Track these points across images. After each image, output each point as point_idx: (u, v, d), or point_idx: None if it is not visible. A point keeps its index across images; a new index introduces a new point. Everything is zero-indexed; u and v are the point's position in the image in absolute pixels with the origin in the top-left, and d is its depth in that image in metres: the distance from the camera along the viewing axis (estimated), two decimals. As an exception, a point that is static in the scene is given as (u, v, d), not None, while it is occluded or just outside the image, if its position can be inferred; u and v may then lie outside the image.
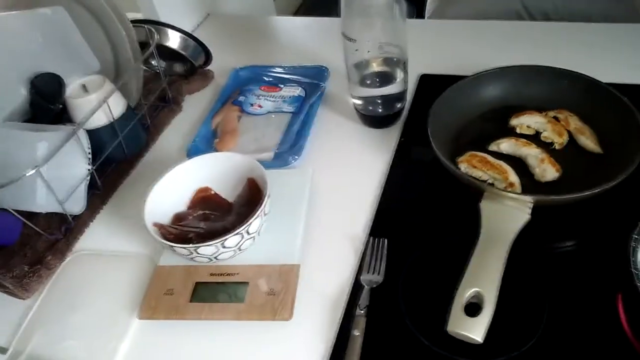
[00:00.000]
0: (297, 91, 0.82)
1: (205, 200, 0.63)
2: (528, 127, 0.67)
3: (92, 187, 0.69)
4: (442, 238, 0.59)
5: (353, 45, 0.65)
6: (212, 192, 0.64)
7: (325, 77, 0.84)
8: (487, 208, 0.56)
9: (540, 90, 0.70)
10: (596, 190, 0.54)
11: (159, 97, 0.82)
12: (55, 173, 0.60)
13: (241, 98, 0.82)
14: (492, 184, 0.61)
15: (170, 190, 0.61)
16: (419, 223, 0.62)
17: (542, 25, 0.99)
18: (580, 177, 0.61)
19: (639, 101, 0.62)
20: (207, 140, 0.77)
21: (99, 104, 0.66)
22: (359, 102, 0.74)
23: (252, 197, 0.61)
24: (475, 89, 0.71)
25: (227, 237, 0.53)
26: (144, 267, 0.61)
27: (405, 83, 0.72)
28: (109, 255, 0.64)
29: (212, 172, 0.63)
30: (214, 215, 0.62)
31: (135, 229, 0.66)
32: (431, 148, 0.62)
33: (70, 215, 0.66)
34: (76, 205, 0.66)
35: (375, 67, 0.70)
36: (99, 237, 0.67)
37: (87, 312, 0.57)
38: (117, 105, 0.70)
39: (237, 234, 0.53)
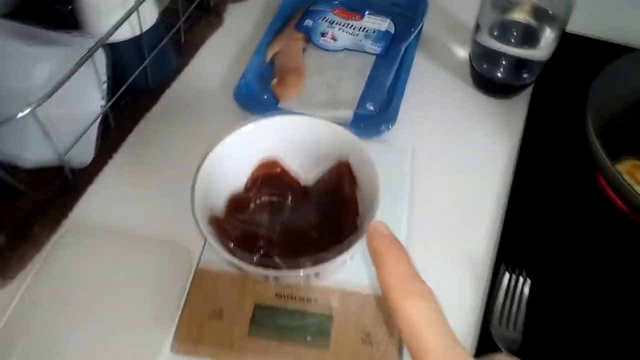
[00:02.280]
0: (385, 24, 0.61)
1: (270, 180, 0.44)
2: None
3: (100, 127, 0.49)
4: (611, 271, 0.44)
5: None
6: (280, 169, 0.45)
7: (423, 9, 0.62)
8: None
9: None
10: None
11: (195, 3, 0.59)
12: (57, 111, 0.40)
13: (308, 22, 0.60)
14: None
15: (227, 165, 0.41)
16: (569, 246, 0.45)
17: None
18: None
19: None
20: (262, 78, 0.56)
21: (129, 9, 0.44)
22: (477, 55, 0.54)
23: (340, 187, 0.43)
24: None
25: (325, 265, 0.35)
26: (175, 262, 0.44)
27: (551, 51, 0.51)
28: (122, 237, 0.45)
29: (285, 140, 0.44)
30: (286, 206, 0.43)
31: (158, 191, 0.47)
32: (590, 145, 0.45)
33: (70, 167, 0.46)
34: (82, 155, 0.46)
35: (521, 15, 0.50)
36: (107, 202, 0.48)
37: (89, 328, 0.40)
38: (147, 11, 0.48)
39: (341, 262, 0.35)
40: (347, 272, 0.41)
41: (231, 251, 0.37)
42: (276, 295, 0.41)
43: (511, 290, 0.42)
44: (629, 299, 0.42)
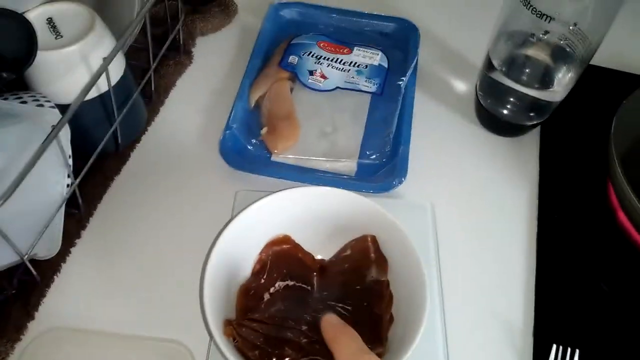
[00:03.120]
0: (377, 58, 0.55)
1: (281, 258, 0.38)
2: None
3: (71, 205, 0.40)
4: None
5: (541, 24, 0.40)
6: (291, 245, 0.39)
7: (415, 40, 0.57)
8: None
9: None
10: None
11: (159, 41, 0.51)
12: (15, 207, 0.31)
13: (292, 58, 0.54)
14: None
15: (234, 251, 0.35)
16: (615, 312, 0.42)
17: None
18: None
19: None
20: (248, 127, 0.49)
21: (95, 71, 0.36)
22: (487, 92, 0.50)
23: (365, 265, 0.37)
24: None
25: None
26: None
27: (566, 90, 0.48)
28: (108, 337, 0.37)
29: (295, 213, 0.38)
30: (301, 288, 0.37)
31: (141, 275, 0.40)
32: (619, 184, 0.42)
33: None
34: (47, 245, 0.38)
35: (536, 52, 0.46)
36: (78, 294, 0.40)
37: None
38: (114, 64, 0.40)
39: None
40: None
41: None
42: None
43: (562, 365, 0.38)
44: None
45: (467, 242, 0.44)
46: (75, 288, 0.40)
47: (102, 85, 0.40)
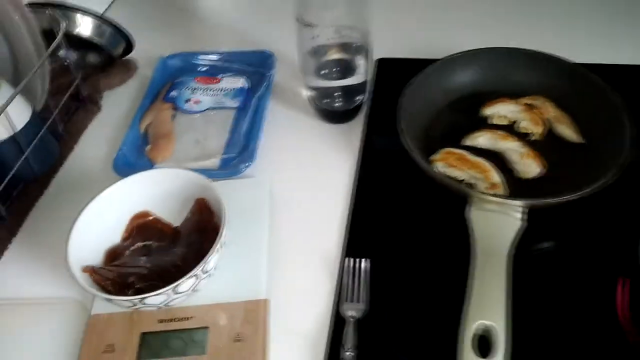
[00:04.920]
0: (240, 82, 0.71)
1: (144, 228, 0.52)
2: (503, 117, 0.62)
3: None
4: (431, 251, 0.52)
5: (311, 32, 0.56)
6: (152, 217, 0.53)
7: (271, 64, 0.73)
8: (476, 217, 0.50)
9: (512, 74, 0.64)
10: (594, 187, 0.49)
11: (71, 96, 0.68)
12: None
13: (173, 93, 0.70)
14: (472, 185, 0.55)
15: (100, 221, 0.49)
16: (401, 235, 0.54)
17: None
18: (565, 171, 0.56)
19: (619, 83, 0.58)
20: (137, 148, 0.65)
21: (-6, 116, 0.52)
22: (314, 94, 0.65)
23: (203, 221, 0.51)
24: (445, 75, 0.64)
25: (178, 282, 0.42)
26: (73, 317, 0.50)
27: (367, 73, 0.63)
28: (26, 304, 0.52)
29: (151, 193, 0.52)
30: (158, 247, 0.51)
31: (57, 265, 0.53)
32: (405, 148, 0.55)
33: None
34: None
35: (334, 54, 0.61)
36: (9, 282, 0.54)
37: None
38: (19, 113, 0.56)
39: (191, 276, 0.43)
40: (216, 288, 0.48)
41: (106, 290, 0.44)
42: (159, 321, 0.47)
43: (356, 272, 0.50)
44: (449, 268, 0.51)
45: (298, 201, 0.58)
46: (7, 278, 0.54)
47: (10, 130, 0.55)
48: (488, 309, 0.43)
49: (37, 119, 0.60)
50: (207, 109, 0.68)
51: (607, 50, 0.72)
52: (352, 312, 0.47)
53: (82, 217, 0.48)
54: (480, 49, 0.64)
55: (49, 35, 0.61)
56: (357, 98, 0.65)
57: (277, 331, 0.47)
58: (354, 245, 0.53)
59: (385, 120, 0.61)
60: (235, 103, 0.68)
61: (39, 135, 0.59)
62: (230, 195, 0.52)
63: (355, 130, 0.65)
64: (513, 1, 0.84)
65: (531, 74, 0.63)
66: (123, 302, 0.43)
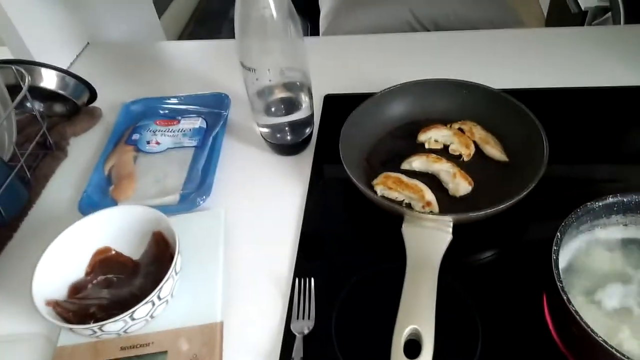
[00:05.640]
0: (198, 122, 0.76)
1: (106, 263, 0.56)
2: (436, 141, 0.68)
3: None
4: (371, 268, 0.57)
5: (253, 75, 0.61)
6: (114, 252, 0.57)
7: (226, 104, 0.79)
8: (409, 232, 0.55)
9: (444, 102, 0.70)
10: (511, 202, 0.55)
11: (38, 144, 0.73)
12: None
13: (135, 136, 0.75)
14: (409, 205, 0.60)
15: (63, 257, 0.53)
16: (345, 255, 0.60)
17: (435, 35, 1.01)
18: (492, 188, 0.62)
19: (535, 105, 0.64)
20: (101, 189, 0.69)
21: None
22: (265, 130, 0.70)
23: (160, 253, 0.55)
24: (381, 107, 0.70)
25: (134, 309, 0.46)
26: (40, 351, 0.53)
27: (312, 107, 0.69)
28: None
29: (111, 229, 0.56)
30: (119, 279, 0.55)
31: (26, 304, 0.56)
32: (346, 174, 0.60)
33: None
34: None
35: (279, 93, 0.67)
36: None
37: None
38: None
39: (146, 302, 0.47)
40: (173, 314, 0.52)
41: (68, 321, 0.48)
42: (121, 348, 0.51)
43: (303, 290, 0.54)
44: (387, 281, 0.55)
45: (251, 227, 0.63)
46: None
47: (-21, 177, 0.60)
48: (418, 315, 0.47)
49: (5, 167, 0.64)
50: (167, 149, 0.73)
51: (520, 76, 0.80)
52: (300, 328, 0.51)
53: (47, 254, 0.52)
54: (413, 81, 0.70)
55: (15, 89, 0.66)
56: (305, 131, 0.70)
57: (232, 350, 0.51)
58: (302, 266, 0.58)
59: (331, 150, 0.66)
60: (193, 142, 0.74)
61: (6, 183, 0.63)
62: (187, 227, 0.57)
63: (305, 160, 0.71)
64: (438, 40, 0.94)
65: (459, 101, 0.70)
66: (83, 331, 0.47)
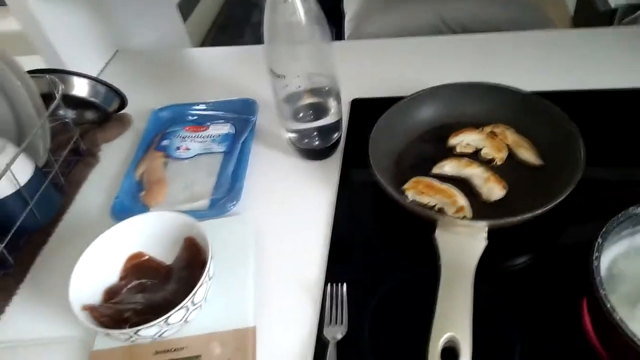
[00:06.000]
0: (226, 128, 0.77)
1: (139, 268, 0.57)
2: (467, 145, 0.67)
3: (1, 266, 0.60)
4: (403, 274, 0.57)
5: (282, 82, 0.62)
6: (146, 257, 0.57)
7: (254, 110, 0.79)
8: (442, 238, 0.54)
9: (474, 106, 0.69)
10: (550, 205, 0.53)
11: (71, 151, 0.74)
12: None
13: (165, 142, 0.76)
14: (441, 210, 0.60)
15: (98, 262, 0.54)
16: (376, 260, 0.59)
17: (463, 38, 1.00)
18: (526, 192, 0.61)
19: (570, 108, 0.63)
20: (133, 194, 0.70)
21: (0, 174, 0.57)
22: (293, 136, 0.70)
23: (192, 258, 0.55)
24: (410, 111, 0.69)
25: (170, 314, 0.47)
26: (76, 354, 0.54)
27: (340, 112, 0.69)
28: (32, 345, 0.56)
29: (144, 235, 0.57)
30: (152, 284, 0.55)
31: (62, 308, 0.57)
32: (376, 179, 0.59)
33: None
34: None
35: (307, 99, 0.67)
36: (19, 325, 0.58)
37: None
38: (23, 170, 0.62)
39: (181, 307, 0.47)
40: (207, 318, 0.52)
41: (104, 326, 0.48)
42: (155, 352, 0.51)
43: (335, 296, 0.54)
44: (420, 288, 0.55)
45: (281, 233, 0.63)
46: (16, 322, 0.58)
47: (16, 185, 0.61)
48: (454, 322, 0.46)
49: (40, 173, 0.66)
50: (196, 154, 0.74)
51: (551, 78, 0.78)
52: (332, 334, 0.51)
53: (82, 260, 0.52)
54: (442, 85, 0.70)
55: (49, 98, 0.68)
56: (333, 136, 0.70)
57: (264, 356, 0.51)
58: (333, 272, 0.57)
59: (359, 154, 0.66)
60: (222, 148, 0.74)
61: (41, 189, 0.64)
62: (218, 233, 0.57)
63: (333, 165, 0.71)
64: (466, 42, 0.93)
65: (489, 104, 0.68)
66: (119, 335, 0.47)
